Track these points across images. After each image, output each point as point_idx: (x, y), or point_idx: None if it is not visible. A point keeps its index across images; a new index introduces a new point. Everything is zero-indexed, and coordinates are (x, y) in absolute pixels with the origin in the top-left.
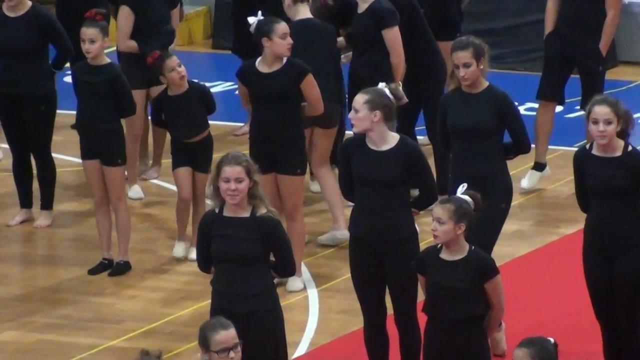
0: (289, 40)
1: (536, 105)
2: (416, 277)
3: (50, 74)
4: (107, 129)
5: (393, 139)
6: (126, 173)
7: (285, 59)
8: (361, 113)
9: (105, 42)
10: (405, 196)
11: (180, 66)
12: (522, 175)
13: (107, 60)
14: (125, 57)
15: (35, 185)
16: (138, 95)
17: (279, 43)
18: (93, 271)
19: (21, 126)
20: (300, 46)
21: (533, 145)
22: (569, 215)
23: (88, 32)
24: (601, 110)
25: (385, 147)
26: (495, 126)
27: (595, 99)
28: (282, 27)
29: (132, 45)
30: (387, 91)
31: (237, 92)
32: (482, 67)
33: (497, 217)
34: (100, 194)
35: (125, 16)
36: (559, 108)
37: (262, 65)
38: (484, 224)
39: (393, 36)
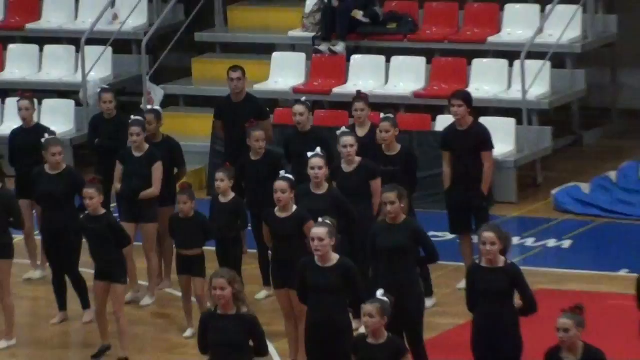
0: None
1: (437, 233)
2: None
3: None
4: (112, 258)
5: (335, 258)
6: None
7: (294, 209)
8: (325, 241)
9: (101, 197)
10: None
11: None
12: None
13: (103, 210)
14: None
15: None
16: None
17: None
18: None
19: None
20: None
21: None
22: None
23: (88, 192)
24: (487, 235)
25: (329, 264)
26: (412, 246)
27: (483, 226)
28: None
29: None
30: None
31: None
32: (402, 205)
33: (421, 311)
34: (102, 306)
35: (118, 168)
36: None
37: (279, 211)
38: (415, 315)
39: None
